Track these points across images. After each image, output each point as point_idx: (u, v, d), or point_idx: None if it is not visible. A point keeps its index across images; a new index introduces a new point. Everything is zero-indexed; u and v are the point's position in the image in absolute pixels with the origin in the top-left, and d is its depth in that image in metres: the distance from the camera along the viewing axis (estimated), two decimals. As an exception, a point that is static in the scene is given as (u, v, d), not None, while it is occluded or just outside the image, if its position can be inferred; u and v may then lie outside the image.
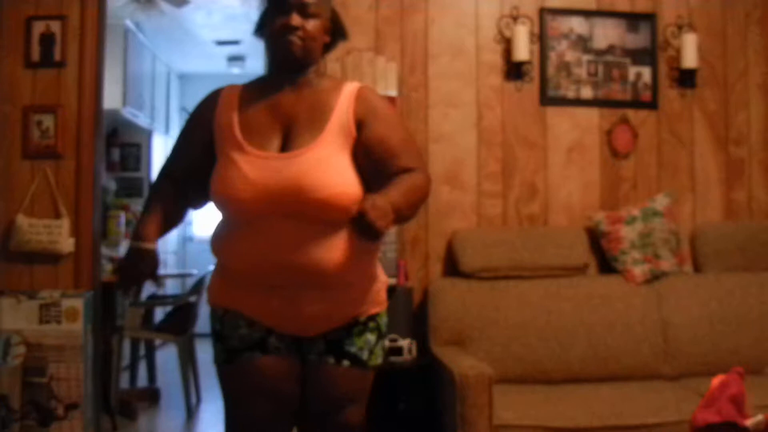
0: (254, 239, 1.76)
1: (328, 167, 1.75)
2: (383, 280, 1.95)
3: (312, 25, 1.83)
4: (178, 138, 1.98)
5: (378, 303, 1.91)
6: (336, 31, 1.93)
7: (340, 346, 1.86)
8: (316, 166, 1.74)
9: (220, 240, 1.86)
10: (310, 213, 1.73)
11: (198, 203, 1.98)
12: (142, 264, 1.86)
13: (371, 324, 1.89)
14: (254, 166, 1.75)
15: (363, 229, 1.62)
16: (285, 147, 1.79)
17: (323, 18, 1.86)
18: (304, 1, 1.81)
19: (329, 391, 1.87)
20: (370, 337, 1.89)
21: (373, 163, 1.81)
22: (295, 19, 1.80)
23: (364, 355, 1.87)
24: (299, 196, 1.71)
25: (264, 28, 1.90)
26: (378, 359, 1.92)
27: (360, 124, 1.82)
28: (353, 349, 1.86)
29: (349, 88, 1.86)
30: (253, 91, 1.88)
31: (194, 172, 1.89)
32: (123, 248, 5.39)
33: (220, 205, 1.82)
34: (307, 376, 1.87)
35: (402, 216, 1.76)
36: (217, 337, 1.88)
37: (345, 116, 1.81)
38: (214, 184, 1.80)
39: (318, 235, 1.75)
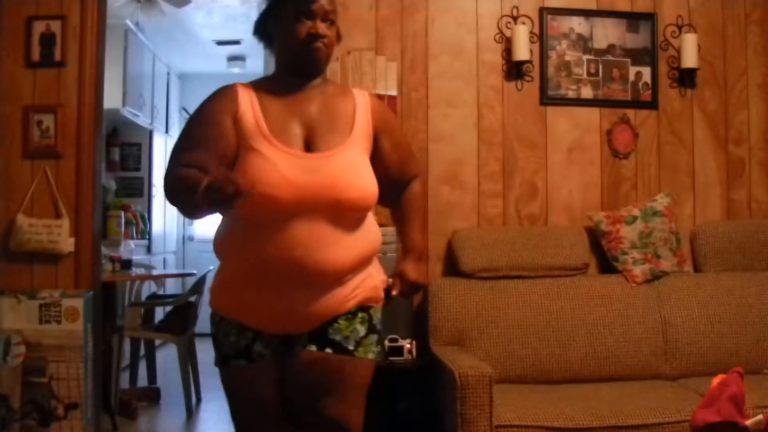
0: (270, 238, 1.75)
1: (360, 168, 1.84)
2: (381, 278, 1.96)
3: (332, 32, 1.88)
4: (194, 130, 1.82)
5: (370, 295, 1.90)
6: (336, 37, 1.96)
7: (324, 335, 1.84)
8: (351, 167, 1.81)
9: (227, 241, 1.84)
10: (341, 212, 1.78)
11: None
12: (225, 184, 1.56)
13: (360, 314, 1.88)
14: (289, 165, 1.75)
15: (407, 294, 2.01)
16: (308, 147, 1.81)
17: (337, 25, 1.91)
18: (327, 8, 1.85)
19: (303, 377, 1.84)
20: (359, 328, 1.87)
21: (389, 171, 1.96)
22: (322, 27, 1.84)
23: (350, 345, 1.85)
24: (335, 196, 1.75)
25: (272, 29, 1.90)
26: (369, 354, 1.88)
27: (376, 134, 1.93)
28: (338, 338, 1.84)
29: (362, 97, 1.95)
30: (266, 90, 1.88)
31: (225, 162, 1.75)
32: (123, 248, 5.39)
33: (249, 203, 1.65)
34: (292, 368, 1.85)
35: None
36: (213, 341, 1.93)
37: (366, 124, 1.90)
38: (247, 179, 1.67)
39: (333, 234, 1.77)
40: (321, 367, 1.84)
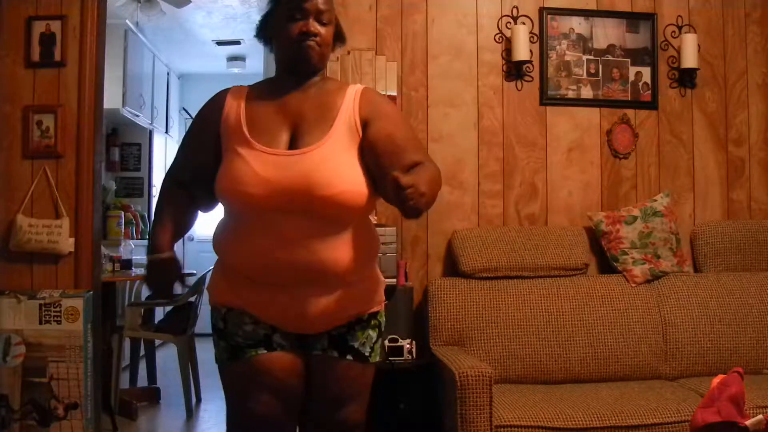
0: (261, 236, 1.77)
1: (337, 164, 1.77)
2: (382, 280, 1.98)
3: (326, 31, 1.87)
4: (185, 140, 1.98)
5: (378, 302, 1.95)
6: (337, 37, 1.95)
7: (344, 341, 1.88)
8: (325, 163, 1.76)
9: (224, 238, 1.87)
10: (318, 210, 1.74)
11: (208, 206, 1.98)
12: (163, 274, 1.91)
13: (373, 321, 1.93)
14: (263, 163, 1.76)
15: (405, 208, 1.58)
16: (292, 145, 1.81)
17: (333, 24, 1.90)
18: (321, 8, 1.84)
19: (333, 385, 1.88)
20: (372, 334, 1.92)
21: (380, 159, 1.79)
22: (314, 26, 1.83)
23: (366, 351, 1.91)
24: (308, 193, 1.73)
25: (270, 30, 1.91)
26: (377, 357, 1.95)
27: (365, 123, 1.84)
28: (356, 344, 1.89)
29: (354, 89, 1.90)
30: (260, 92, 1.90)
31: (203, 174, 1.88)
32: (123, 248, 5.39)
33: (229, 202, 1.82)
34: (312, 370, 1.88)
35: (428, 202, 1.64)
36: (220, 334, 1.88)
37: (351, 115, 1.84)
38: (223, 180, 1.81)
39: (324, 233, 1.77)
40: (345, 375, 1.88)
